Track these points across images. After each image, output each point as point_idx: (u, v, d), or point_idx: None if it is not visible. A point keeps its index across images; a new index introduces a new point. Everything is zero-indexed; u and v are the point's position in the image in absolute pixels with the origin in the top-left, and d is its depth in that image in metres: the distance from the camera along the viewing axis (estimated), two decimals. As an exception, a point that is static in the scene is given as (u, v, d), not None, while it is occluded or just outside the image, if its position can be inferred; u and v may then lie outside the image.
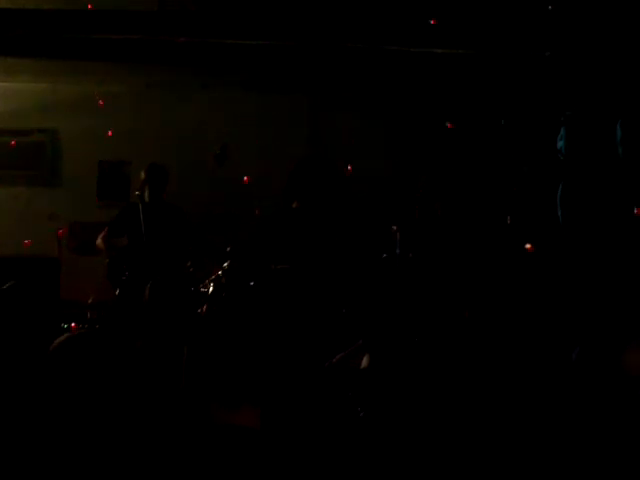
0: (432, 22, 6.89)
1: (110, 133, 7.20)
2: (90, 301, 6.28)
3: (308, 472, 1.80)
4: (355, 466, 2.78)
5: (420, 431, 2.85)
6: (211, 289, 6.39)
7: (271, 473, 1.75)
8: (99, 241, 6.51)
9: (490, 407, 3.12)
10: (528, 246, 6.77)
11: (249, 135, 7.54)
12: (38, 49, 7.01)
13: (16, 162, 7.68)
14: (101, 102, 7.19)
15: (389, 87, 7.64)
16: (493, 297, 5.76)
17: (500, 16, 6.93)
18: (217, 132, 7.58)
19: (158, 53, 7.07)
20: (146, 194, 6.25)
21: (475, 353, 4.40)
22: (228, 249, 6.45)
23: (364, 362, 3.14)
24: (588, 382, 2.85)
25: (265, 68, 7.42)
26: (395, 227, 6.04)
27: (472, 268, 5.63)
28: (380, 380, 3.01)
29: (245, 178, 6.50)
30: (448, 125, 6.81)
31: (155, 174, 6.28)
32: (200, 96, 7.57)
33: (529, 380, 3.53)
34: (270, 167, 7.41)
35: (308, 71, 7.50)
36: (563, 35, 7.17)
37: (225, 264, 6.35)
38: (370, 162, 7.67)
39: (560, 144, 7.55)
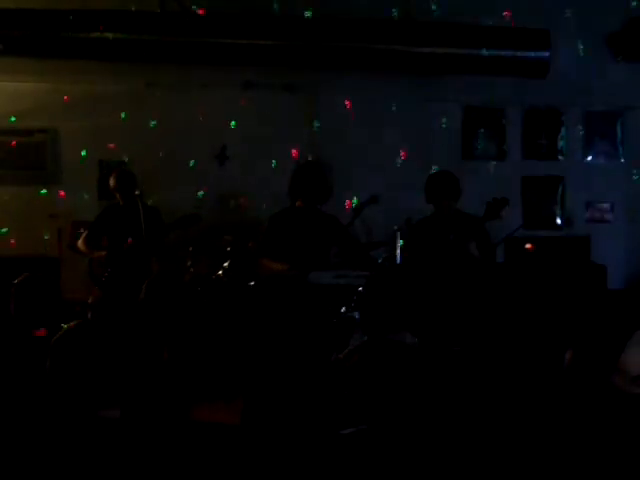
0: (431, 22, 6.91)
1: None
2: (90, 301, 6.28)
3: (292, 467, 1.80)
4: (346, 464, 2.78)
5: (413, 433, 2.84)
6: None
7: (253, 469, 1.75)
8: (80, 243, 6.56)
9: (485, 409, 3.12)
10: (528, 246, 6.78)
11: (249, 135, 7.53)
12: (38, 49, 7.01)
13: (16, 162, 7.68)
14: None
15: (391, 87, 7.65)
16: (489, 299, 5.76)
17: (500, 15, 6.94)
18: (217, 132, 7.58)
19: (158, 53, 7.06)
20: (118, 198, 6.53)
21: (470, 355, 4.40)
22: (228, 249, 6.45)
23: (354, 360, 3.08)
24: (583, 384, 2.85)
25: (265, 68, 7.42)
26: (395, 227, 6.04)
27: (469, 272, 5.62)
28: (373, 382, 2.97)
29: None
30: None
31: (124, 179, 6.48)
32: (200, 96, 7.56)
33: (525, 383, 3.52)
34: (270, 167, 7.41)
35: (309, 71, 7.50)
36: (563, 35, 7.18)
37: (225, 264, 6.34)
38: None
39: (560, 144, 7.54)
